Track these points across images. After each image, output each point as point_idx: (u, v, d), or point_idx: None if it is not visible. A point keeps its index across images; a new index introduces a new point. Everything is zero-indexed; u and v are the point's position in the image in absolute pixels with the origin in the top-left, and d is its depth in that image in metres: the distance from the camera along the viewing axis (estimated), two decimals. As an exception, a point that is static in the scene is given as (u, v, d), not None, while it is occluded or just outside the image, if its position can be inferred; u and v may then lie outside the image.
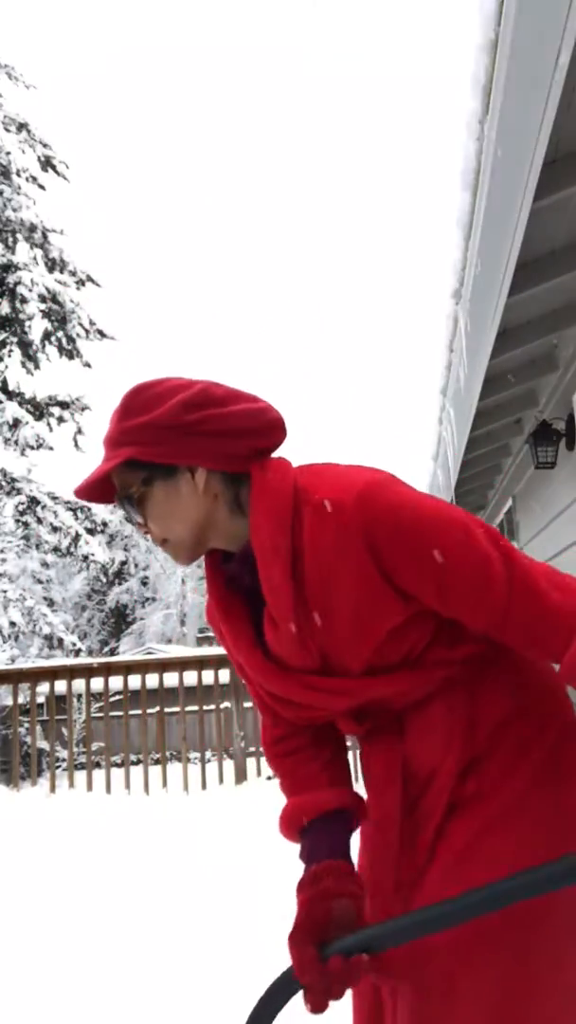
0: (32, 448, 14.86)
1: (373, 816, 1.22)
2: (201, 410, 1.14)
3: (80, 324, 15.65)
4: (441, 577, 1.08)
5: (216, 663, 6.11)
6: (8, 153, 15.35)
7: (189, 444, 1.15)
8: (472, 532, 1.08)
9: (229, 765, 6.07)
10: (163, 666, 6.12)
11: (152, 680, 6.07)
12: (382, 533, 1.07)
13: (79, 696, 7.84)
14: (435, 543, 1.07)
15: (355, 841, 1.23)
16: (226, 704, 6.11)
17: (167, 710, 6.08)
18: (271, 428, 1.20)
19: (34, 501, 15.31)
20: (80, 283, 15.91)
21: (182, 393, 1.15)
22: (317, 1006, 1.04)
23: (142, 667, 6.26)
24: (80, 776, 6.32)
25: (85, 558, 15.70)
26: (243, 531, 1.19)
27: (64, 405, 15.92)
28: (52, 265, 15.70)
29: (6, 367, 15.69)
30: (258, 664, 1.21)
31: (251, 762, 6.21)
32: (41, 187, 15.86)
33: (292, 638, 1.14)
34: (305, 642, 1.14)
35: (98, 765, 8.53)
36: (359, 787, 1.26)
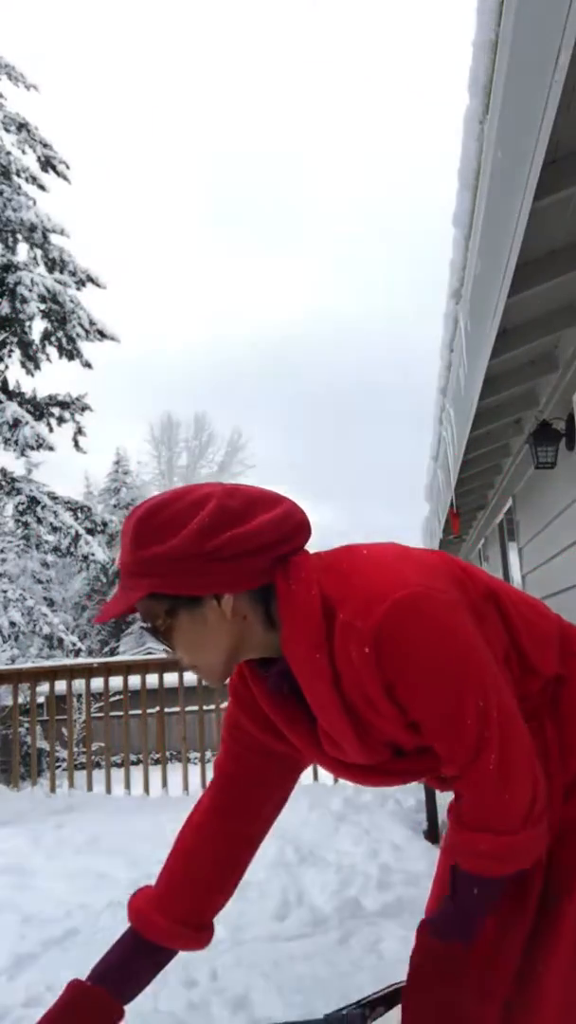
0: (32, 448, 14.84)
1: None
2: (220, 533, 1.06)
3: (80, 324, 15.63)
4: (422, 723, 1.07)
5: (216, 663, 6.10)
6: (8, 153, 15.34)
7: (211, 572, 1.07)
8: (466, 707, 1.03)
9: (229, 765, 6.05)
10: (163, 666, 6.11)
11: (152, 680, 6.07)
12: (396, 667, 1.03)
13: (79, 696, 7.83)
14: (430, 696, 1.04)
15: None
16: (226, 704, 6.10)
17: (167, 710, 6.07)
18: (296, 533, 1.12)
19: (34, 501, 15.30)
20: (80, 283, 15.89)
21: (196, 516, 1.06)
22: None
23: (142, 667, 6.26)
24: (80, 776, 6.33)
25: (85, 558, 15.67)
26: (278, 642, 1.12)
27: (64, 405, 15.90)
28: (52, 265, 15.69)
29: (6, 367, 15.68)
30: (337, 768, 1.19)
31: (251, 762, 6.20)
32: (41, 187, 15.84)
33: (351, 747, 1.11)
34: (369, 744, 1.11)
35: (98, 765, 8.52)
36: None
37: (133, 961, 1.29)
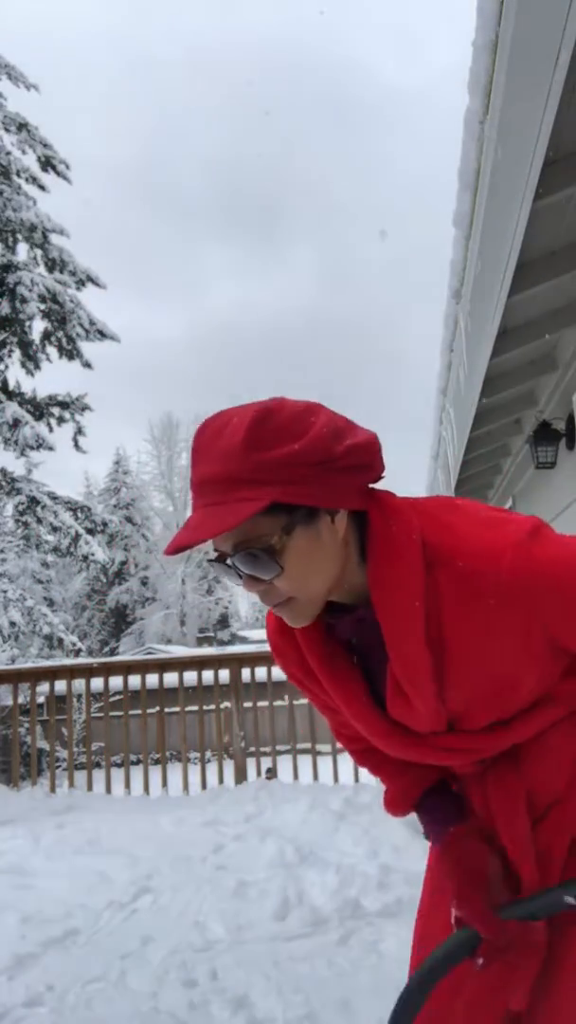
0: (32, 448, 14.85)
1: (503, 847, 1.14)
2: (343, 440, 0.98)
3: (80, 324, 15.64)
4: None
5: (216, 663, 6.11)
6: (8, 153, 15.35)
7: (332, 482, 0.97)
8: None
9: (229, 765, 6.06)
10: (163, 666, 6.11)
11: (152, 680, 6.07)
12: (549, 601, 0.97)
13: (79, 696, 7.81)
14: None
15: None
16: (226, 704, 6.11)
17: (167, 710, 6.07)
18: (381, 458, 1.05)
19: (34, 501, 15.30)
20: (80, 283, 15.90)
21: (314, 422, 0.97)
22: (491, 962, 1.05)
23: (142, 667, 6.26)
24: (80, 776, 6.33)
25: (85, 558, 15.68)
26: (363, 584, 1.03)
27: (64, 405, 15.90)
28: (52, 265, 15.69)
29: (6, 367, 15.68)
30: (380, 729, 1.10)
31: (251, 762, 6.21)
32: (41, 187, 15.85)
33: (425, 707, 1.04)
34: (437, 709, 1.05)
35: (98, 765, 8.52)
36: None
37: (460, 802, 1.21)
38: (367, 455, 1.00)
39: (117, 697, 6.22)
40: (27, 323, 15.32)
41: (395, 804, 1.25)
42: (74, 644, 16.50)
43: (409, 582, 0.99)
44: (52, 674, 6.08)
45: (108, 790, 5.70)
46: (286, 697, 5.90)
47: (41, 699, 11.66)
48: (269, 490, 0.93)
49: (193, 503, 0.98)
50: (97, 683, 6.10)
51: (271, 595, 1.00)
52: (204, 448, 0.96)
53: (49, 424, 15.78)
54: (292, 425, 0.95)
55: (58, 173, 15.91)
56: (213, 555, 1.00)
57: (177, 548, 0.93)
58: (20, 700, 6.05)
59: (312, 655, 1.10)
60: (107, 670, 6.16)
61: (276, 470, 0.93)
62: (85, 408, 16.00)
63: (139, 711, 6.21)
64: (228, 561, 0.98)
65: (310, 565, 0.99)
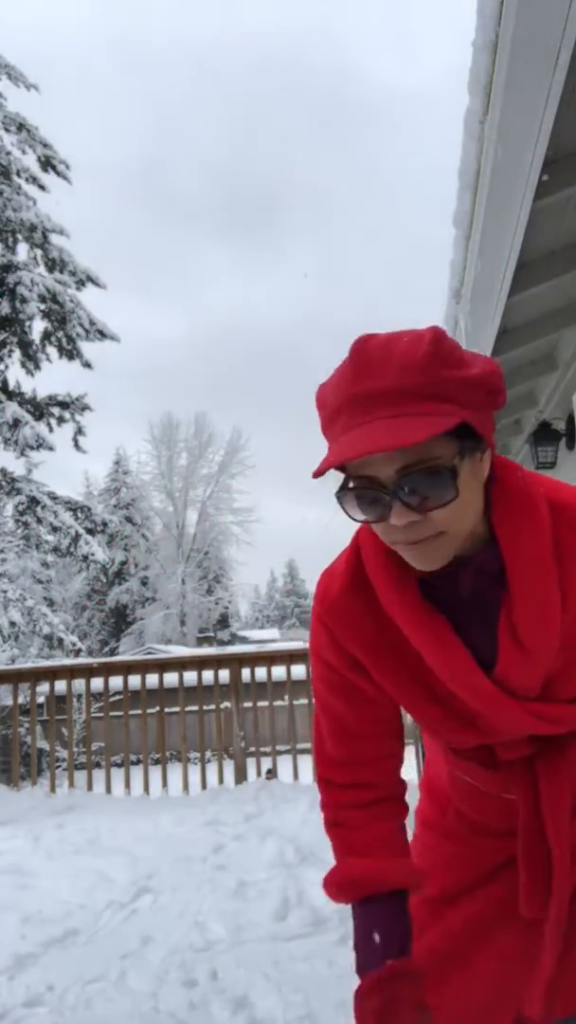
0: (32, 448, 14.85)
1: (550, 836, 1.11)
2: (496, 378, 0.94)
3: (80, 324, 15.64)
4: None
5: (216, 663, 6.11)
6: (8, 153, 15.35)
7: (490, 416, 0.96)
8: None
9: (229, 765, 6.06)
10: (163, 666, 6.11)
11: (152, 680, 6.07)
12: None
13: (79, 696, 7.81)
14: None
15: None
16: (226, 704, 6.11)
17: (167, 710, 6.07)
18: None
19: (34, 501, 15.30)
20: (80, 283, 15.90)
21: (477, 354, 0.95)
22: None
23: (142, 667, 6.26)
24: (80, 776, 6.32)
25: (85, 558, 15.68)
26: (485, 531, 1.01)
27: (64, 405, 15.90)
28: (52, 265, 15.69)
29: (6, 367, 15.68)
30: (485, 689, 1.02)
31: (251, 762, 6.21)
32: (41, 187, 15.85)
33: (545, 656, 1.01)
34: (551, 663, 1.02)
35: (98, 765, 8.52)
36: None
37: (403, 925, 1.11)
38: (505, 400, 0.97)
39: (117, 697, 6.22)
40: (27, 323, 15.32)
41: (347, 887, 1.11)
42: (74, 644, 16.49)
43: (539, 523, 0.97)
44: (52, 674, 6.08)
45: (108, 790, 5.70)
46: (286, 697, 5.90)
47: (41, 699, 11.66)
48: (456, 409, 0.88)
49: (352, 418, 0.89)
50: (97, 683, 6.10)
51: (422, 528, 0.92)
52: (373, 361, 0.89)
53: (49, 424, 15.77)
54: (461, 352, 0.92)
55: (58, 173, 15.91)
56: (347, 484, 0.93)
57: (353, 456, 0.86)
58: (20, 700, 6.05)
59: (407, 612, 1.03)
60: (107, 670, 6.16)
61: (463, 391, 0.89)
62: (85, 408, 16.00)
63: (139, 711, 6.21)
64: (385, 486, 0.90)
65: (470, 497, 0.94)
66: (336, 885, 1.12)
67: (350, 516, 0.96)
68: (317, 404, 0.96)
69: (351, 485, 0.93)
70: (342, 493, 0.94)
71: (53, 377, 16.38)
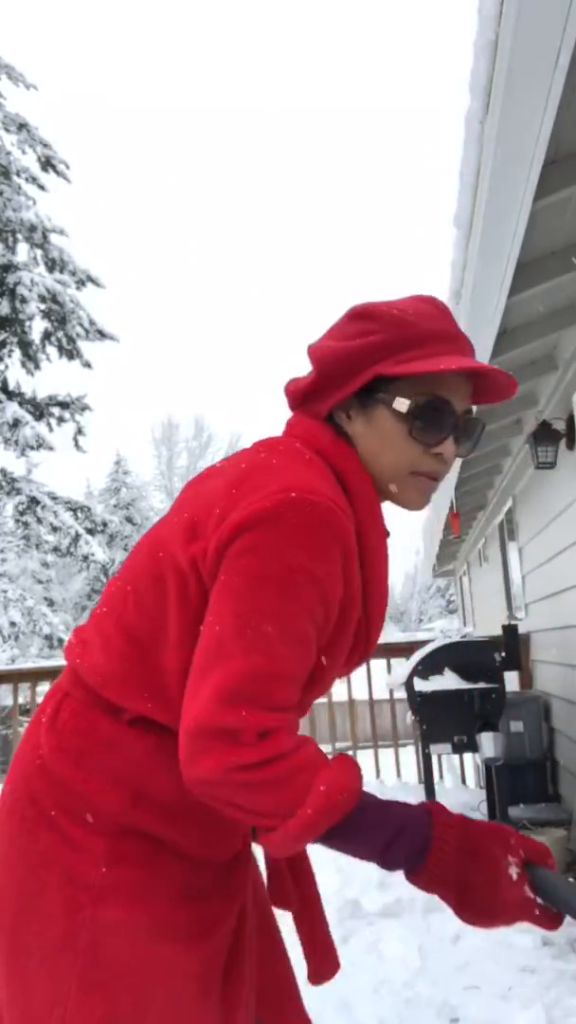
0: (32, 448, 14.87)
1: None
2: None
3: (80, 324, 15.66)
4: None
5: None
6: (8, 153, 15.35)
7: None
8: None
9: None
10: (163, 666, 6.11)
11: (152, 680, 6.07)
12: None
13: (79, 696, 7.83)
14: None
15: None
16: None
17: (167, 710, 6.07)
18: None
19: (34, 501, 15.33)
20: (80, 283, 15.91)
21: None
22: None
23: (142, 667, 6.25)
24: (80, 776, 6.32)
25: (85, 558, 15.70)
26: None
27: (64, 405, 15.92)
28: (52, 265, 15.70)
29: (6, 367, 15.69)
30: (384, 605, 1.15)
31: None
32: (41, 187, 15.86)
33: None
34: None
35: (98, 765, 8.52)
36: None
37: None
38: None
39: (117, 697, 6.22)
40: (27, 323, 15.34)
41: (347, 789, 0.96)
42: (74, 644, 16.50)
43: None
44: (52, 674, 6.07)
45: (108, 790, 5.70)
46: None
47: (41, 699, 11.68)
48: None
49: (464, 347, 1.06)
50: (97, 683, 6.09)
51: (445, 466, 1.09)
52: (449, 312, 1.08)
53: (49, 424, 15.80)
54: None
55: (58, 173, 15.93)
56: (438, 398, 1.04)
57: (481, 369, 1.03)
58: (20, 700, 6.05)
59: (378, 541, 1.09)
60: (107, 670, 6.15)
61: None
62: (85, 408, 16.02)
63: (139, 711, 6.20)
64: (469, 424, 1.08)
65: None
66: (341, 792, 0.97)
67: (418, 425, 1.03)
68: (404, 314, 1.07)
69: (469, 416, 1.08)
70: (435, 400, 1.03)
71: (53, 377, 16.40)
